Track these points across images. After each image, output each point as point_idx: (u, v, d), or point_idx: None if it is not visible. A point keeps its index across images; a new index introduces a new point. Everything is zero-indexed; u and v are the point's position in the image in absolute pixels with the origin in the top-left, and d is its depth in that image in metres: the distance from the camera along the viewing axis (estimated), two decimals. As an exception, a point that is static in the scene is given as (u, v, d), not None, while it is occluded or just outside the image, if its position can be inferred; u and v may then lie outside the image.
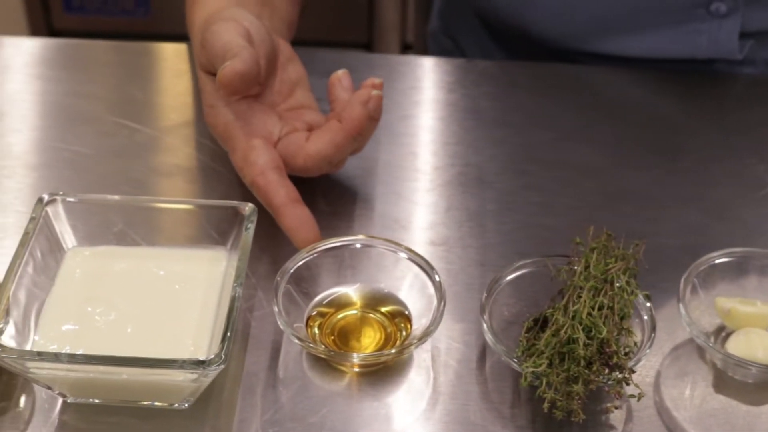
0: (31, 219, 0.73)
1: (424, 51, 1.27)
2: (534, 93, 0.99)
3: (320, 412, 0.70)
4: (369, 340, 0.74)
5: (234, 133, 0.80)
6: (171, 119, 0.95)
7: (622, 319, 0.70)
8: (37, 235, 0.72)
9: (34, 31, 2.13)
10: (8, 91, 0.97)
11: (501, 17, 1.07)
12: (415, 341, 0.71)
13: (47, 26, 2.14)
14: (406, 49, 2.12)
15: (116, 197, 0.76)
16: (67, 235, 0.75)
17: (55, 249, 0.74)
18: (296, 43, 0.89)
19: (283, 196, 0.77)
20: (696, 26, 0.99)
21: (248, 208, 0.74)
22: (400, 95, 0.97)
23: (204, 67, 0.82)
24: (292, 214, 0.77)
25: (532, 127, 0.95)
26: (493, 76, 1.02)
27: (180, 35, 1.06)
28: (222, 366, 0.64)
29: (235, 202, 0.74)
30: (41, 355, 0.66)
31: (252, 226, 0.73)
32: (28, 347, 0.68)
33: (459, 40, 1.17)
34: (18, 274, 0.69)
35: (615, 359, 0.67)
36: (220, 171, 0.88)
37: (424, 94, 0.99)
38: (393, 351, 0.71)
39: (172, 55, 1.04)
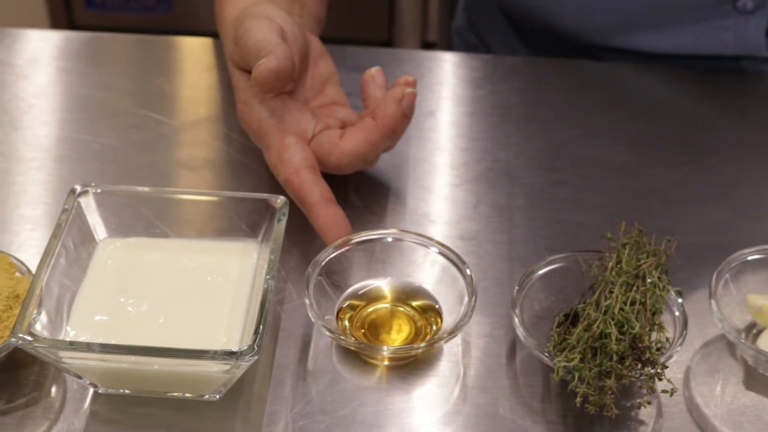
0: (64, 210, 0.73)
1: (448, 48, 1.27)
2: (561, 89, 0.99)
3: (350, 405, 0.71)
4: (399, 334, 0.74)
5: (268, 131, 0.80)
6: (199, 113, 0.95)
7: (653, 314, 0.70)
8: (70, 227, 0.73)
9: (56, 27, 2.14)
10: (37, 83, 0.98)
11: (526, 12, 1.07)
12: (445, 335, 0.71)
13: (68, 22, 2.15)
14: (426, 47, 2.12)
15: (147, 189, 0.76)
16: (98, 227, 0.75)
17: (86, 240, 0.74)
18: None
19: (317, 195, 0.77)
20: (722, 22, 0.99)
21: (280, 200, 0.74)
22: (427, 91, 0.97)
23: (237, 64, 0.82)
24: (326, 213, 0.77)
25: (559, 124, 0.95)
26: (520, 73, 1.02)
27: (201, 32, 1.07)
28: (255, 357, 0.64)
29: (266, 195, 0.74)
30: (74, 345, 0.66)
31: (284, 219, 0.73)
32: (60, 338, 0.69)
33: (484, 37, 1.17)
34: (51, 265, 0.70)
35: (648, 354, 0.67)
36: (248, 165, 0.88)
37: (452, 90, 0.99)
38: (423, 344, 0.71)
39: (199, 50, 1.04)
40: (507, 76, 1.01)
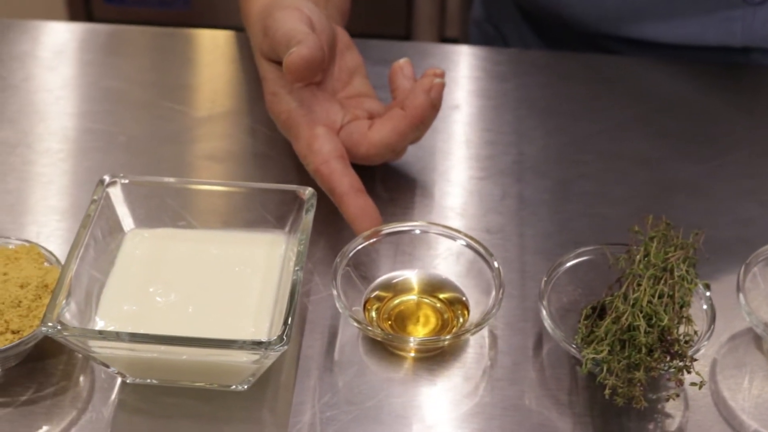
0: (93, 201, 0.73)
1: (467, 43, 1.27)
2: (583, 84, 0.99)
3: (377, 396, 0.71)
4: (426, 326, 0.74)
5: (297, 121, 0.80)
6: (224, 105, 0.95)
7: (681, 307, 0.70)
8: (98, 217, 0.73)
9: (74, 20, 2.14)
10: (63, 75, 0.98)
11: (535, 1, 1.07)
12: (472, 327, 0.71)
13: (87, 16, 2.15)
14: (444, 42, 2.12)
15: (175, 180, 0.76)
16: (126, 217, 0.75)
17: (114, 231, 0.75)
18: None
19: (346, 185, 0.77)
20: (730, 13, 0.99)
21: (308, 192, 0.74)
22: (453, 84, 0.97)
23: (266, 55, 0.82)
24: (355, 203, 0.77)
25: (583, 118, 0.95)
26: (544, 67, 1.02)
27: (219, 28, 1.07)
28: (284, 347, 0.64)
29: (294, 186, 0.75)
30: (103, 334, 0.66)
31: (312, 210, 0.73)
32: (89, 327, 0.69)
33: (501, 28, 1.17)
34: (80, 255, 0.70)
35: (676, 347, 0.67)
36: (274, 157, 0.88)
37: (477, 83, 0.99)
38: (450, 336, 0.71)
39: (222, 42, 1.05)
40: (530, 70, 1.01)
